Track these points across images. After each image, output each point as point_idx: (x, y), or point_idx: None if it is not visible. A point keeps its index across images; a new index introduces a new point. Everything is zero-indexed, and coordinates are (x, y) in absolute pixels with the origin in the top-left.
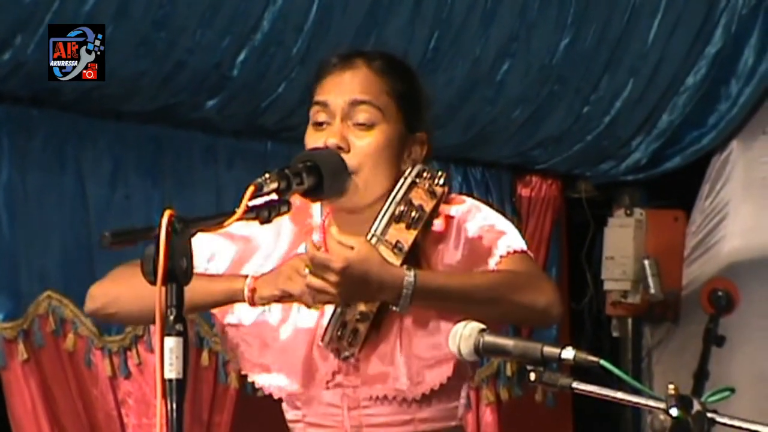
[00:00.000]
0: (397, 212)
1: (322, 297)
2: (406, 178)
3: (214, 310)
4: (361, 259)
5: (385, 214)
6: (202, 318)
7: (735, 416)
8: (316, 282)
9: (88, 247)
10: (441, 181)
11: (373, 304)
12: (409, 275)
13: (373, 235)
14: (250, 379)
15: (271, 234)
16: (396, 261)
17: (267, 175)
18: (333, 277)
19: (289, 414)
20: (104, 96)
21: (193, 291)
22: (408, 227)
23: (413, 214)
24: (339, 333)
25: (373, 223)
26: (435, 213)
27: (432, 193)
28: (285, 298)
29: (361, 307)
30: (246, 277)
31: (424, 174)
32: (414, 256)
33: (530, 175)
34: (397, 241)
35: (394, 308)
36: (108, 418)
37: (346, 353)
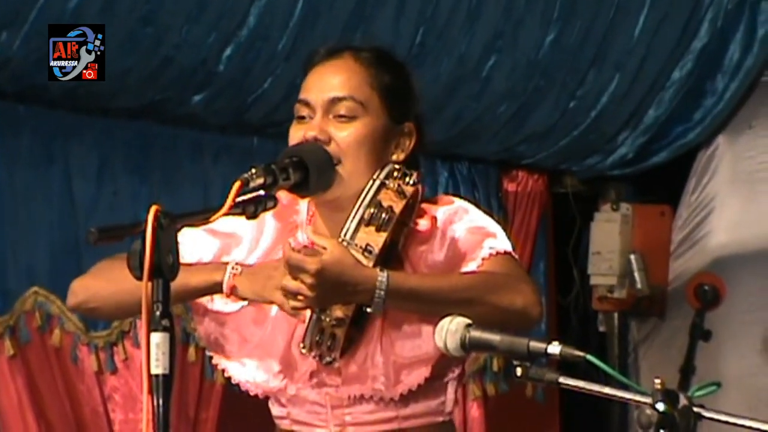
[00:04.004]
0: (366, 215)
1: (297, 302)
2: (374, 180)
3: None
4: (334, 261)
5: (354, 218)
6: (188, 314)
7: (721, 411)
8: (292, 285)
9: (75, 244)
10: (411, 181)
11: (349, 308)
12: (382, 276)
13: (342, 240)
14: (226, 375)
15: (254, 229)
16: (368, 264)
17: (253, 171)
18: (308, 279)
19: (275, 410)
20: (91, 92)
21: (173, 282)
22: (378, 230)
23: (383, 216)
24: (318, 339)
25: (342, 227)
26: (409, 213)
27: (401, 194)
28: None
29: (337, 313)
30: (225, 267)
31: (394, 174)
32: (394, 258)
33: (516, 171)
34: (367, 245)
35: (368, 309)
36: (94, 413)
37: (328, 358)
